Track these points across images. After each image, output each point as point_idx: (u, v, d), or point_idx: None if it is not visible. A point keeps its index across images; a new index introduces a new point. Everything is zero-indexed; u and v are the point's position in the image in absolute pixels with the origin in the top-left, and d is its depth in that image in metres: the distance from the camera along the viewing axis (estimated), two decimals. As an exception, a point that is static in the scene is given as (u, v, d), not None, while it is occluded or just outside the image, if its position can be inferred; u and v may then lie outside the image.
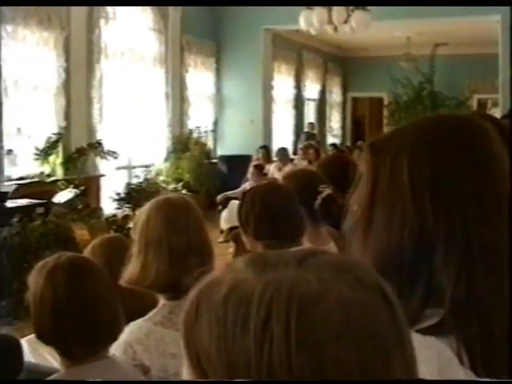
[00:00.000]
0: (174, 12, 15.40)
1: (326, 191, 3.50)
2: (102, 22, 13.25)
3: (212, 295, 0.93)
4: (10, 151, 11.32)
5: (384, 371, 0.88)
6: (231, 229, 10.32)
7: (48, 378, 2.31)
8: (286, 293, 0.88)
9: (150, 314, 2.71)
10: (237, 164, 15.25)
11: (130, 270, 2.66)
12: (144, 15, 14.64)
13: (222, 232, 11.44)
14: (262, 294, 0.88)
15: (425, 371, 1.07)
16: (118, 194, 12.30)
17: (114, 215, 10.85)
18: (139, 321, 2.69)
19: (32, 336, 3.37)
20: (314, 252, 0.96)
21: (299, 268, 0.91)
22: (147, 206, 2.74)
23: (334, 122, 24.73)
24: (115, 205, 12.17)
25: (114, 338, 2.35)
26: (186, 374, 0.97)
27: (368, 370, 0.87)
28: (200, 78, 16.88)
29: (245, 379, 0.87)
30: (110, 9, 13.40)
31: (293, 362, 0.85)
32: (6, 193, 9.21)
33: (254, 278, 0.91)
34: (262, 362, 0.86)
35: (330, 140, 22.48)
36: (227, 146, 17.38)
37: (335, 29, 12.79)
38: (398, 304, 0.94)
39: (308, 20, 12.66)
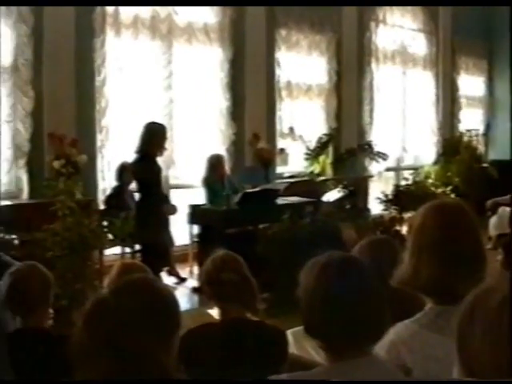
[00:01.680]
0: (444, 12, 15.14)
1: None
2: (373, 24, 13.31)
3: (487, 302, 0.92)
4: (282, 150, 11.71)
5: None
6: (500, 235, 9.98)
7: (311, 371, 2.34)
8: None
9: (417, 315, 2.67)
10: (508, 169, 14.70)
11: (402, 271, 2.64)
12: (414, 17, 14.52)
13: (489, 238, 11.08)
14: None
15: None
16: (386, 195, 12.27)
17: (381, 216, 10.85)
18: (406, 322, 2.66)
19: (297, 329, 3.45)
20: None
21: None
22: (422, 209, 2.71)
23: None
24: (382, 206, 12.17)
25: (380, 336, 2.33)
26: (455, 375, 0.96)
27: None
28: (471, 81, 16.47)
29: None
30: (380, 11, 13.45)
31: None
32: (277, 190, 9.51)
33: None
34: None
35: None
36: (499, 151, 16.79)
37: None
38: None
39: None
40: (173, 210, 9.02)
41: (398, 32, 14.07)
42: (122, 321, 2.09)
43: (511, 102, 16.67)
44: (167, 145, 9.02)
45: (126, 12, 9.63)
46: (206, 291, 3.64)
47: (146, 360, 2.07)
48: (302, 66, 12.00)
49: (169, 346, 2.17)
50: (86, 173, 8.97)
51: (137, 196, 8.96)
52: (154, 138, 8.53)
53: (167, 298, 2.26)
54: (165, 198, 9.06)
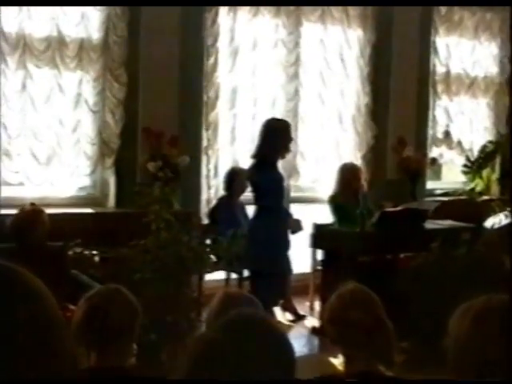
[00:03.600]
0: None
1: None
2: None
3: None
4: (434, 160, 11.52)
5: None
6: None
7: None
8: None
9: None
10: None
11: None
12: None
13: None
14: None
15: None
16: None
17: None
18: None
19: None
20: None
21: None
22: None
23: None
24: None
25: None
26: None
27: None
28: None
29: None
30: None
31: None
32: (426, 211, 9.35)
33: None
34: None
35: None
36: None
37: None
38: None
39: None
40: (297, 225, 8.95)
41: None
42: (231, 367, 2.06)
43: None
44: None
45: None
46: (329, 333, 3.60)
47: None
48: (465, 52, 11.83)
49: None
50: (188, 178, 9.07)
51: (250, 210, 8.98)
52: (274, 138, 8.50)
53: (281, 342, 2.23)
54: (286, 214, 9.00)
